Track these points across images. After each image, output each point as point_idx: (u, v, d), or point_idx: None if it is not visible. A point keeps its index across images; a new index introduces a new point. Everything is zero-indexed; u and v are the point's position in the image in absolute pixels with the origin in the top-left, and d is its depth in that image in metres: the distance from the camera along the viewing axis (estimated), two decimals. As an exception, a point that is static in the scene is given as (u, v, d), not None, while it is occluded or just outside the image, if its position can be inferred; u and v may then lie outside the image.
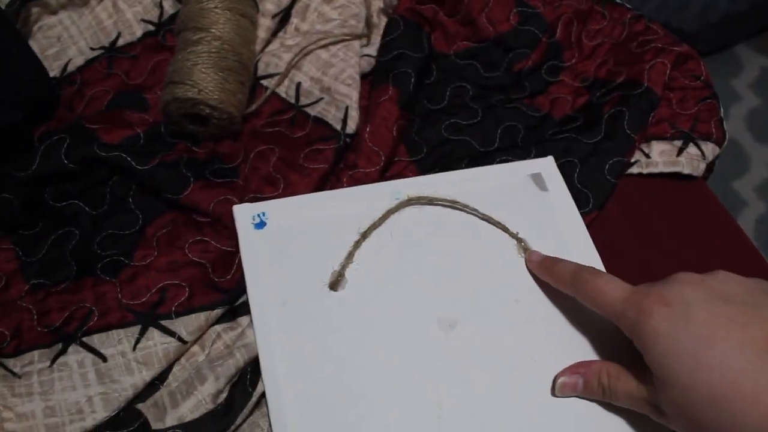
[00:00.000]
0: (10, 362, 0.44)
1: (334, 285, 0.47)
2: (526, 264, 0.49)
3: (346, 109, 0.55)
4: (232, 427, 0.43)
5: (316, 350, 0.45)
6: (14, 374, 0.44)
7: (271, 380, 0.43)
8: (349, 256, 0.49)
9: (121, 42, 0.61)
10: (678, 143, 0.57)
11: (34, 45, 0.60)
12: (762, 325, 0.35)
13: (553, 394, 0.44)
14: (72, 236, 0.50)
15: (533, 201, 0.53)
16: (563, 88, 0.61)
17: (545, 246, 0.50)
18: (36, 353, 0.45)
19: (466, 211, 0.52)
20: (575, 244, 0.51)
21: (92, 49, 0.60)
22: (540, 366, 0.45)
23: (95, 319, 0.46)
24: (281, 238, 0.49)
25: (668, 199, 0.56)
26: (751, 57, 1.76)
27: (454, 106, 0.59)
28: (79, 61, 0.60)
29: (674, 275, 0.40)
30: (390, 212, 0.51)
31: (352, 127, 0.54)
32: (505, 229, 0.51)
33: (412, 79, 0.56)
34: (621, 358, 0.42)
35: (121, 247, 0.49)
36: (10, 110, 0.53)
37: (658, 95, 0.57)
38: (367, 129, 0.54)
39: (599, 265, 0.50)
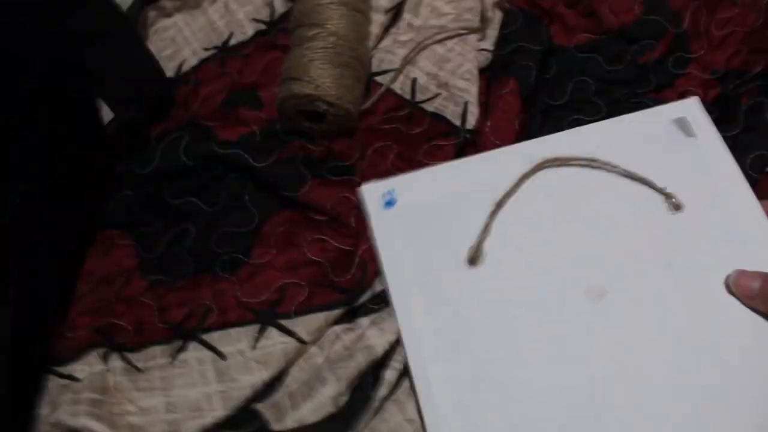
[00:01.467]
0: (134, 357, 0.45)
1: (474, 260, 0.45)
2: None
3: (465, 104, 0.53)
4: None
5: (462, 330, 0.43)
6: (137, 369, 0.44)
7: (417, 364, 0.42)
8: (486, 228, 0.46)
9: (233, 42, 0.61)
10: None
11: (151, 47, 0.61)
12: None
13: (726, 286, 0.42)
14: (189, 233, 0.50)
15: (679, 150, 0.48)
16: (691, 81, 0.57)
17: (697, 201, 0.46)
18: (157, 349, 0.45)
19: (605, 169, 0.47)
20: (732, 196, 0.46)
21: (205, 49, 0.61)
22: (703, 339, 0.41)
23: (214, 316, 0.46)
24: (413, 215, 0.47)
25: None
26: None
27: (576, 101, 0.56)
28: (193, 61, 0.60)
29: None
30: (524, 177, 0.47)
31: (471, 122, 0.52)
32: (650, 185, 0.46)
33: (534, 72, 0.54)
34: None
35: (238, 245, 0.49)
36: (130, 108, 0.54)
37: (802, 85, 0.53)
38: (488, 123, 0.52)
39: (762, 216, 0.45)
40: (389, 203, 0.48)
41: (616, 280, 0.44)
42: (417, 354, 0.42)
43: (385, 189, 0.48)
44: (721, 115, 0.53)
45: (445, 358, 0.42)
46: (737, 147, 0.51)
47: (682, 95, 0.56)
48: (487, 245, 0.46)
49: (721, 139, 0.48)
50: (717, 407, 0.39)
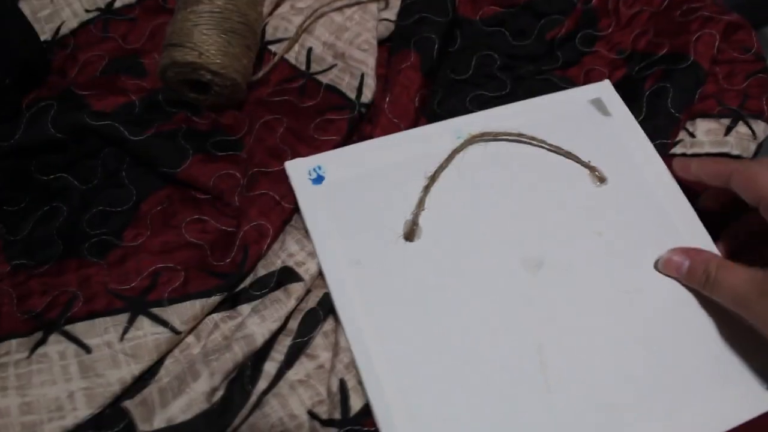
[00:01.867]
0: (-16, 352, 0.40)
1: (410, 235, 0.44)
2: (675, 172, 0.47)
3: (362, 76, 0.50)
4: (229, 429, 0.38)
5: (402, 307, 0.42)
6: (-12, 365, 0.39)
7: (359, 346, 0.40)
8: (420, 203, 0.45)
9: (118, 3, 0.56)
10: (726, 121, 0.51)
11: (24, 6, 0.55)
12: None
13: (655, 267, 0.44)
14: (60, 212, 0.46)
15: (598, 127, 0.50)
16: (598, 60, 0.56)
17: (618, 174, 0.48)
18: (14, 342, 0.40)
19: (533, 144, 0.49)
20: (647, 167, 0.49)
21: (87, 11, 0.55)
22: (634, 298, 0.43)
23: (79, 305, 0.41)
24: (343, 192, 0.46)
25: (715, 183, 0.51)
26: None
27: (480, 76, 0.54)
28: (72, 23, 0.55)
29: None
30: (455, 152, 0.47)
31: (368, 95, 0.49)
32: (576, 159, 0.48)
33: (436, 45, 0.51)
34: None
35: (111, 226, 0.45)
36: (-5, 74, 0.48)
37: (705, 70, 0.52)
38: (387, 98, 0.49)
39: (676, 186, 0.48)
40: (317, 180, 0.45)
41: (551, 250, 0.45)
42: (358, 336, 0.40)
43: (311, 165, 0.46)
44: (625, 98, 0.52)
45: (387, 337, 0.41)
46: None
47: (588, 74, 0.54)
48: (423, 220, 0.44)
49: (633, 118, 0.51)
50: (647, 366, 0.41)
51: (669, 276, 0.44)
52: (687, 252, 0.43)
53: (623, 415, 0.40)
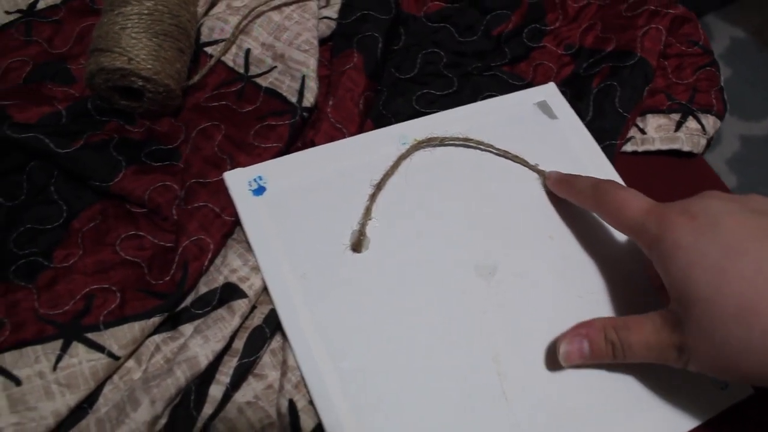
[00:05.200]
0: None
1: (357, 246, 0.42)
2: (544, 184, 0.47)
3: (303, 78, 0.47)
4: (174, 460, 0.36)
5: (352, 321, 0.40)
6: None
7: (307, 363, 0.39)
8: (367, 212, 0.44)
9: (41, 4, 0.52)
10: (676, 117, 0.51)
11: (-63, 8, 0.51)
12: None
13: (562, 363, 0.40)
14: (-17, 232, 0.43)
15: (544, 130, 0.50)
16: (546, 55, 0.55)
17: None
18: (-67, 377, 0.37)
19: (480, 149, 0.48)
20: (594, 169, 0.48)
21: (7, 12, 0.52)
22: (588, 302, 0.43)
23: (7, 333, 0.38)
24: (286, 202, 0.44)
25: (666, 180, 0.50)
26: (720, 27, 1.72)
27: (426, 74, 0.52)
28: (-9, 26, 0.51)
29: (703, 192, 0.37)
30: (401, 158, 0.46)
31: (309, 99, 0.47)
32: (524, 163, 0.48)
33: (380, 45, 0.49)
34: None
35: (40, 245, 0.42)
36: None
37: (653, 67, 0.51)
38: (330, 102, 0.47)
39: None
40: (258, 191, 0.43)
41: (505, 256, 0.44)
42: (306, 353, 0.39)
43: (252, 175, 0.44)
44: (573, 96, 0.51)
45: (337, 354, 0.39)
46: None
47: (536, 69, 0.53)
48: (370, 230, 0.43)
49: (579, 120, 0.50)
50: (605, 369, 0.40)
51: (575, 366, 0.40)
52: (578, 332, 0.39)
53: (583, 421, 0.39)
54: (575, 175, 0.45)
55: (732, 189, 1.43)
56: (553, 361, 0.40)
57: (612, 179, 0.42)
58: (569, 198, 0.44)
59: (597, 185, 0.41)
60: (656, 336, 0.35)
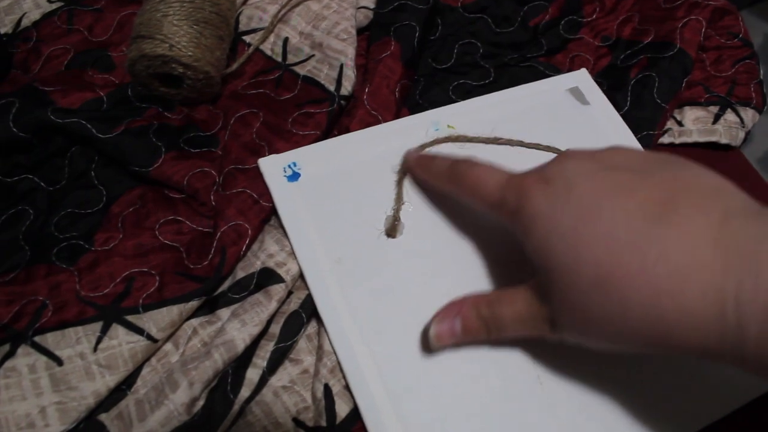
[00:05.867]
0: (-52, 367, 0.38)
1: (391, 231, 0.43)
2: (404, 167, 0.44)
3: (341, 67, 0.48)
4: (211, 441, 0.36)
5: (387, 306, 0.40)
6: (-48, 381, 0.37)
7: (343, 348, 0.39)
8: (399, 197, 0.44)
9: (83, -7, 0.53)
10: (714, 109, 0.50)
11: (-18, -3, 0.52)
12: (651, 190, 0.30)
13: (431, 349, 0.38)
14: (26, 216, 0.43)
15: (577, 117, 0.49)
16: (583, 47, 0.54)
17: None
18: (-21, 356, 0.38)
19: (510, 145, 0.47)
20: None
21: (50, 1, 0.53)
22: None
23: (49, 314, 0.39)
24: (320, 188, 0.44)
25: (704, 172, 0.50)
26: (755, 24, 1.70)
27: (462, 64, 0.52)
28: (34, 15, 0.52)
29: (564, 151, 0.35)
30: (425, 146, 0.46)
31: (347, 87, 0.47)
32: (556, 151, 0.47)
33: (417, 34, 0.49)
34: None
35: (81, 229, 0.43)
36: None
37: (692, 58, 0.51)
38: (366, 89, 0.47)
39: None
40: (293, 177, 0.44)
41: None
42: (341, 337, 0.39)
43: (286, 162, 0.44)
44: (610, 87, 0.51)
45: (372, 338, 0.39)
46: (626, 126, 0.49)
47: (573, 60, 0.53)
48: (404, 214, 0.43)
49: (611, 106, 0.49)
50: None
51: (447, 346, 0.38)
52: (449, 310, 0.37)
53: (612, 405, 0.38)
54: (432, 156, 0.43)
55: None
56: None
57: (470, 156, 0.40)
58: (428, 181, 0.42)
59: (453, 166, 0.39)
60: (528, 309, 0.34)
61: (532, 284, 0.34)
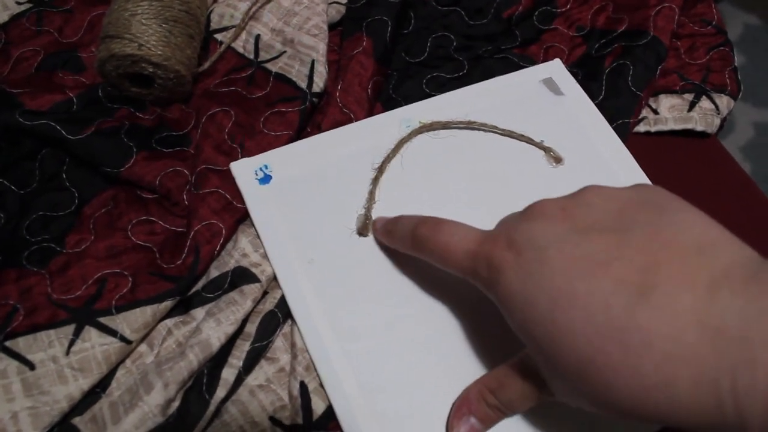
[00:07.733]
0: None
1: (363, 230, 0.43)
2: (374, 235, 0.43)
3: (312, 63, 0.47)
4: (187, 442, 0.36)
5: (359, 304, 0.40)
6: None
7: (316, 347, 0.39)
8: (371, 196, 0.44)
9: (52, -6, 0.53)
10: (689, 97, 0.50)
11: (-51, -1, 0.52)
12: (630, 258, 0.27)
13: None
14: (-3, 220, 0.43)
15: (551, 107, 0.49)
16: (557, 37, 0.54)
17: (574, 153, 0.47)
18: (-51, 362, 0.37)
19: (484, 130, 0.47)
20: (603, 145, 0.48)
21: (18, 3, 0.52)
22: None
23: (20, 318, 0.39)
24: (292, 190, 0.44)
25: (680, 160, 0.50)
26: (735, 14, 1.70)
27: (436, 58, 0.52)
28: (3, 17, 0.52)
29: (533, 203, 0.33)
30: (402, 141, 0.46)
31: (319, 84, 0.47)
32: (529, 141, 0.47)
33: (389, 28, 0.49)
34: None
35: (53, 232, 0.42)
36: None
37: (665, 46, 0.50)
38: (338, 86, 0.47)
39: (636, 171, 0.47)
40: (264, 179, 0.44)
41: None
42: (314, 336, 0.39)
43: (258, 165, 0.44)
44: (585, 76, 0.51)
45: (346, 337, 0.39)
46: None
47: (547, 51, 0.53)
48: (375, 213, 0.43)
49: (587, 97, 0.49)
50: None
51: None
52: (461, 413, 0.36)
53: None
54: (394, 220, 0.41)
55: (747, 176, 1.42)
56: None
57: (431, 216, 0.38)
58: (396, 248, 0.41)
59: (414, 230, 0.37)
60: (530, 387, 0.33)
61: (524, 358, 0.33)
